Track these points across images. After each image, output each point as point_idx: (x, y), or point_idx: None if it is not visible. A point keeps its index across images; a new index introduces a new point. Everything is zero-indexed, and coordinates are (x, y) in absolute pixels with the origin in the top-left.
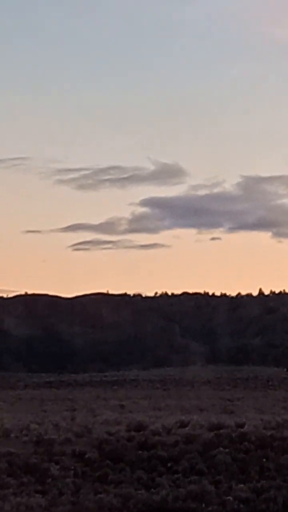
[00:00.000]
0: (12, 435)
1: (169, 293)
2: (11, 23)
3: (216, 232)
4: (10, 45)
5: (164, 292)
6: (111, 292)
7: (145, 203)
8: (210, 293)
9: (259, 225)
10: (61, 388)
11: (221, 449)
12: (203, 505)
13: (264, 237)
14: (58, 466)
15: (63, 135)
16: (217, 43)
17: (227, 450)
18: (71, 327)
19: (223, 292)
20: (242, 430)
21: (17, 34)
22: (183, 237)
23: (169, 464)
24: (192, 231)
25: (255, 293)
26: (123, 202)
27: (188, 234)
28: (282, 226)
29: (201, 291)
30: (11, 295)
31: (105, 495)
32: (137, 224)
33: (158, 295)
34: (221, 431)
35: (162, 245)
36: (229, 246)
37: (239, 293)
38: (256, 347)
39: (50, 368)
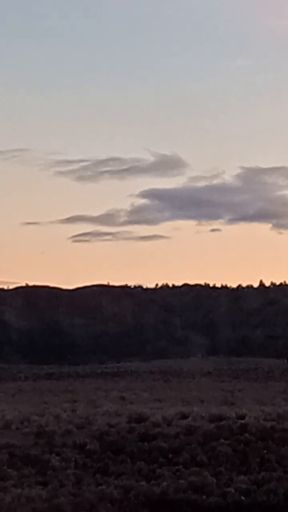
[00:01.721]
0: (12, 426)
1: (170, 285)
2: (12, 19)
3: (216, 224)
4: (11, 38)
5: (164, 283)
6: (111, 283)
7: (144, 194)
8: (211, 285)
9: (259, 216)
10: (62, 380)
11: (222, 440)
12: (204, 496)
13: (264, 228)
14: (58, 458)
15: (62, 126)
16: (216, 36)
17: (227, 441)
18: (72, 319)
19: (224, 283)
20: (242, 421)
21: (17, 29)
22: (183, 229)
23: (169, 456)
24: (192, 223)
25: (255, 284)
26: (123, 194)
27: (188, 225)
28: (282, 217)
29: (202, 282)
30: (11, 286)
31: (106, 486)
32: (137, 216)
33: (158, 286)
34: (222, 422)
35: (162, 237)
36: (229, 238)
37: (239, 285)
38: (256, 338)
39: (50, 359)
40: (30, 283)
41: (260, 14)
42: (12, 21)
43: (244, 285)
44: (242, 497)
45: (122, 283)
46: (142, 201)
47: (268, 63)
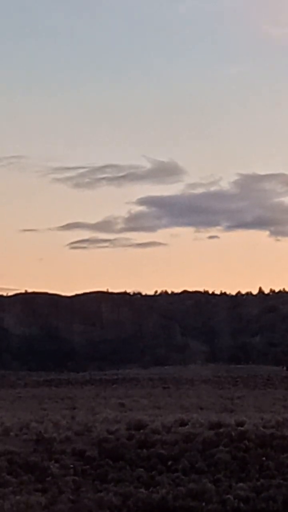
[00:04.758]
0: (12, 433)
1: (169, 292)
2: (11, 22)
3: (214, 231)
4: (9, 43)
5: (163, 290)
6: (110, 290)
7: (142, 201)
8: (210, 292)
9: (257, 223)
10: (61, 387)
11: (221, 447)
12: (203, 503)
13: (261, 235)
14: (58, 465)
15: (59, 133)
16: (214, 42)
17: (227, 448)
18: (71, 326)
19: (223, 290)
20: (242, 428)
21: (16, 33)
22: (181, 236)
23: (169, 463)
24: (190, 230)
25: (254, 291)
26: (120, 201)
27: (185, 232)
28: (279, 224)
29: (201, 289)
30: (10, 293)
31: (105, 493)
32: (134, 223)
33: (157, 293)
34: (221, 429)
35: (160, 244)
36: (227, 245)
37: (239, 292)
38: (256, 345)
39: (50, 366)
40: (29, 290)
41: (259, 20)
42: (12, 23)
43: (243, 292)
44: (241, 504)
45: (121, 290)
46: (140, 208)
47: (266, 70)
